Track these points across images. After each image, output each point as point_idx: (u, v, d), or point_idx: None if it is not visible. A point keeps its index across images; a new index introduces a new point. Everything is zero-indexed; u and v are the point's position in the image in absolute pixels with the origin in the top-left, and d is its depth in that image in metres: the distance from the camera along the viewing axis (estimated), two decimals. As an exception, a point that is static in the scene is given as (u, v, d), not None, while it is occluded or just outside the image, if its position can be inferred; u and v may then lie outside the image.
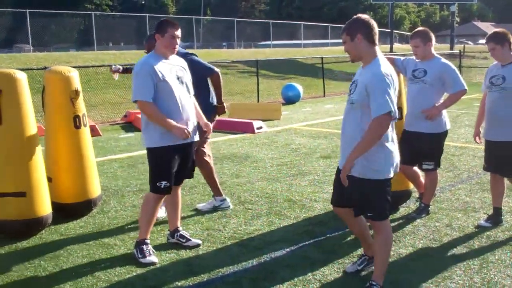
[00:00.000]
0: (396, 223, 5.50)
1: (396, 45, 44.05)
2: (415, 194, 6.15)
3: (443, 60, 5.48)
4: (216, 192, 6.05)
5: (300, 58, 29.48)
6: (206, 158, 5.92)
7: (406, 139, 5.54)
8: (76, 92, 5.69)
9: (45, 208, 5.31)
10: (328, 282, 4.12)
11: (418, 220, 5.58)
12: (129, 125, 12.92)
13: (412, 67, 5.58)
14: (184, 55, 5.34)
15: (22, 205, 5.14)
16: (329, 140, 10.42)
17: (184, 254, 4.77)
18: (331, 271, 4.30)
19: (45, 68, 12.98)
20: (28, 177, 5.17)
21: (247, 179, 7.44)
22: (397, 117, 3.60)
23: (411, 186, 5.95)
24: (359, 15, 3.78)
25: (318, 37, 48.42)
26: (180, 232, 4.99)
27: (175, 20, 4.65)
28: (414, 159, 5.58)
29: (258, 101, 18.05)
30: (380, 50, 3.78)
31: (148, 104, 4.40)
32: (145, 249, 4.61)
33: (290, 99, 17.62)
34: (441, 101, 5.45)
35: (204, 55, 26.14)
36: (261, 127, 11.76)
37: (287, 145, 9.97)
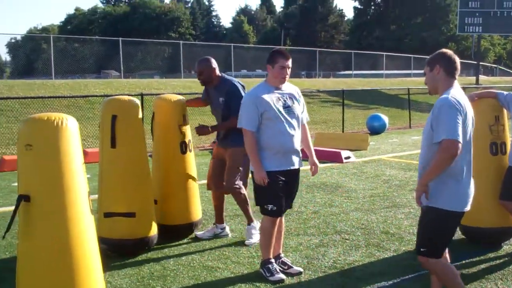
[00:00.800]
0: (500, 261, 5.36)
1: (482, 77, 42.73)
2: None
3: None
4: (220, 219, 6.15)
5: (385, 88, 29.31)
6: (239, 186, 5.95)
7: (511, 175, 5.39)
8: (184, 119, 5.90)
9: (152, 228, 5.52)
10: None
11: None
12: None
13: None
14: (225, 81, 5.75)
15: (131, 225, 5.36)
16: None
17: (287, 281, 4.83)
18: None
19: (141, 94, 13.58)
20: (138, 198, 5.40)
21: (341, 209, 7.46)
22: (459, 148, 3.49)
23: (516, 223, 5.67)
24: (443, 49, 3.83)
25: (400, 67, 47.76)
26: (282, 259, 5.05)
27: (286, 51, 4.78)
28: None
29: (343, 130, 18.00)
30: (458, 83, 3.79)
31: (248, 133, 4.60)
32: (271, 267, 4.78)
33: (375, 130, 17.62)
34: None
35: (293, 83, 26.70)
36: (349, 157, 11.77)
37: (377, 176, 9.92)
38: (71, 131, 3.65)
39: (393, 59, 46.50)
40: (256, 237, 5.86)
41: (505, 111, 5.66)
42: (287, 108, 4.68)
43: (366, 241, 6.00)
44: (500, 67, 65.80)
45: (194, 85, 22.32)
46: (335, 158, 11.66)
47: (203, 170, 10.52)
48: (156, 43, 44.82)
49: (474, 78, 39.84)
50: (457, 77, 3.74)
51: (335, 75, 47.28)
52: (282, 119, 4.61)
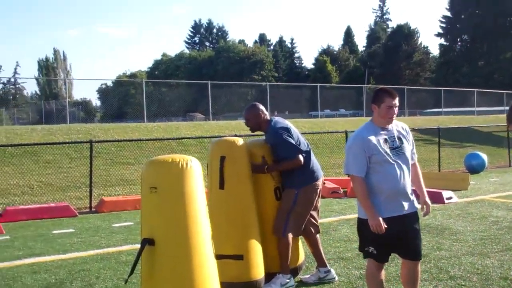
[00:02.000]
0: None
1: None
2: None
3: None
4: (321, 262, 5.90)
5: (479, 126, 28.35)
6: (311, 227, 5.86)
7: None
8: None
9: (260, 271, 5.42)
10: None
11: None
12: None
13: None
14: (269, 127, 5.70)
15: (240, 268, 5.29)
16: (533, 214, 9.55)
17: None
18: None
19: (235, 135, 13.73)
20: (246, 240, 5.34)
21: (451, 253, 7.12)
22: None
23: None
24: None
25: (492, 103, 46.23)
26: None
27: (393, 90, 4.57)
28: None
29: (439, 170, 17.45)
30: None
31: (358, 179, 4.39)
32: None
33: (474, 169, 17.07)
34: None
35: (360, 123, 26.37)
36: (451, 197, 11.36)
37: (484, 218, 9.49)
38: (195, 173, 3.65)
39: (484, 96, 45.32)
40: (311, 278, 5.85)
41: None
42: (396, 149, 4.47)
43: (485, 288, 5.53)
44: None
45: None
46: (437, 198, 11.27)
47: None
48: (242, 85, 45.69)
49: None
50: None
51: (421, 113, 46.28)
52: (391, 161, 4.41)
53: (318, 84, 33.37)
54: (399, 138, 4.53)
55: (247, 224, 5.34)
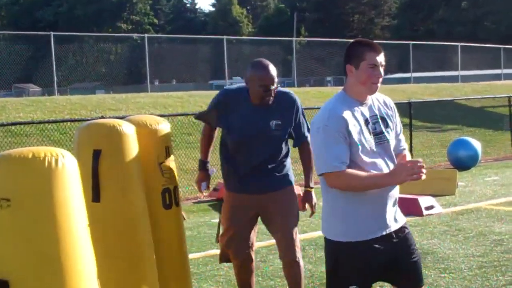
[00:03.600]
0: None
1: None
2: None
3: None
4: None
5: (465, 98, 27.26)
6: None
7: None
8: (168, 152, 5.46)
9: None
10: None
11: None
12: (221, 203, 12.57)
13: None
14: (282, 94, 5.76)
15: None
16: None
17: None
18: None
19: (102, 117, 12.69)
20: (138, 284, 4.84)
21: None
22: None
23: None
24: None
25: (483, 64, 45.05)
26: None
27: (374, 42, 4.38)
28: None
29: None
30: None
31: (339, 175, 4.11)
32: None
33: (462, 163, 16.69)
34: None
35: (309, 96, 25.75)
36: (432, 206, 11.33)
37: (483, 235, 9.47)
38: (71, 175, 3.38)
39: (471, 53, 43.55)
40: None
41: None
42: (379, 135, 4.30)
43: None
44: None
45: (169, 102, 21.92)
46: (411, 208, 10.91)
47: (206, 235, 10.05)
48: (101, 39, 43.06)
49: None
50: None
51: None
52: (374, 154, 4.24)
53: (224, 37, 31.93)
54: (383, 119, 4.38)
55: (137, 256, 4.87)
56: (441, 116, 24.77)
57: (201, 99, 23.36)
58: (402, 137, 4.54)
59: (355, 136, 4.14)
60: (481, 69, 44.67)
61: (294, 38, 43.61)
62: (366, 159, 4.16)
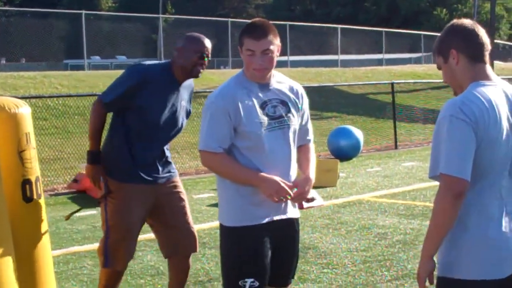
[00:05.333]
0: None
1: (497, 64, 40.28)
2: None
3: None
4: None
5: (346, 84, 28.04)
6: None
7: None
8: (28, 138, 5.35)
9: None
10: None
11: None
12: (82, 196, 12.29)
13: None
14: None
15: None
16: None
17: None
18: None
19: None
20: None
21: (323, 286, 7.13)
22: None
23: None
24: (454, 21, 3.77)
25: (364, 48, 47.08)
26: None
27: (261, 24, 4.40)
28: None
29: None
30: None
31: (214, 157, 4.37)
32: None
33: (343, 153, 16.74)
34: None
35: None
36: (313, 199, 9.86)
37: (366, 229, 9.60)
38: None
39: (350, 35, 44.88)
40: None
41: None
42: (277, 119, 4.44)
43: None
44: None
45: (20, 83, 20.97)
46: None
47: (66, 230, 9.78)
48: None
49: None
50: (487, 59, 3.63)
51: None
52: (268, 138, 4.36)
53: (83, 11, 30.50)
54: (285, 103, 4.51)
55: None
56: (320, 103, 24.72)
57: (57, 80, 22.58)
58: (309, 127, 4.69)
59: (246, 117, 4.28)
60: (362, 53, 46.25)
61: (160, 15, 42.04)
62: (256, 141, 4.29)
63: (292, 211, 4.60)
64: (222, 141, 4.30)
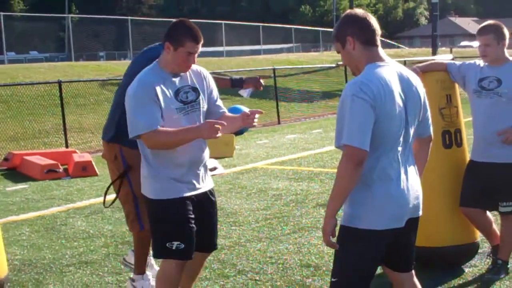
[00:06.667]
0: (466, 288, 5.68)
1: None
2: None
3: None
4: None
5: (232, 71, 29.00)
6: None
7: (474, 173, 5.71)
8: None
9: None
10: None
11: (497, 283, 5.67)
12: (13, 173, 12.70)
13: (477, 75, 5.71)
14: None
15: None
16: (319, 183, 10.65)
17: None
18: None
19: None
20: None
21: (232, 240, 7.53)
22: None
23: (479, 236, 6.04)
24: (348, 11, 4.02)
25: (246, 40, 49.02)
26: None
27: (197, 30, 4.52)
28: (486, 200, 5.71)
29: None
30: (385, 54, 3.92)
31: (154, 133, 4.39)
32: None
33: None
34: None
35: (88, 69, 26.20)
36: (215, 168, 11.91)
37: (263, 191, 10.21)
38: None
39: (233, 30, 47.63)
40: None
41: (457, 88, 5.92)
42: (191, 103, 4.61)
43: (286, 281, 6.08)
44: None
45: None
46: None
47: (1, 202, 10.12)
48: None
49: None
50: (379, 43, 3.89)
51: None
52: (185, 122, 4.54)
53: (1, 13, 31.30)
54: (195, 89, 4.67)
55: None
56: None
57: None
58: (219, 102, 4.85)
59: (164, 105, 4.42)
60: (244, 45, 47.75)
61: (68, 15, 43.90)
62: (173, 124, 4.42)
63: (209, 183, 4.78)
64: (157, 116, 4.38)
